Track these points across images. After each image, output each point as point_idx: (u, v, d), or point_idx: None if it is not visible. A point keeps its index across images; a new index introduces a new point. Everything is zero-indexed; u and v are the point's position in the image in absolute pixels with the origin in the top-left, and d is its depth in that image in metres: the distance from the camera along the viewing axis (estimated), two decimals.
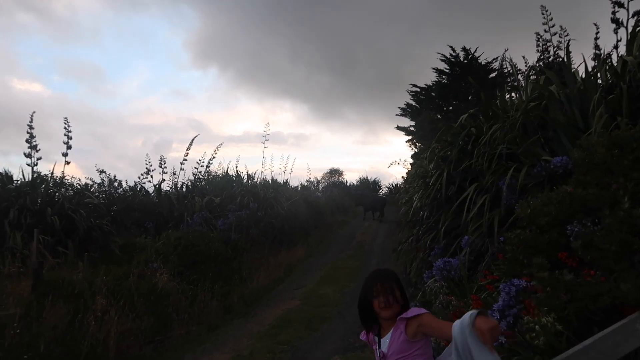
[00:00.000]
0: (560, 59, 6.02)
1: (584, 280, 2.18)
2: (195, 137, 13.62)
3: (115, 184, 12.27)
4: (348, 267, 10.68)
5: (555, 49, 6.31)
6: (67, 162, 8.94)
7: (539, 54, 6.54)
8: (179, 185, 12.91)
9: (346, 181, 30.72)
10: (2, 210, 7.36)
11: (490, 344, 1.49)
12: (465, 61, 15.25)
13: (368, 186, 29.06)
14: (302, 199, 15.72)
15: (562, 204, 2.67)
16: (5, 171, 8.62)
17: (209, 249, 8.05)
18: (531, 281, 2.34)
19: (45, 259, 6.18)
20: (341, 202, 22.13)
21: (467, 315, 1.58)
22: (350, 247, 13.65)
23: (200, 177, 13.71)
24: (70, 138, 8.95)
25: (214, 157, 13.91)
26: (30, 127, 8.45)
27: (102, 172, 12.02)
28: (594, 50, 5.09)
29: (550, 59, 6.38)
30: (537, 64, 6.63)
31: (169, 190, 12.57)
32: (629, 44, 4.48)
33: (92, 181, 11.73)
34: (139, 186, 12.41)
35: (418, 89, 17.00)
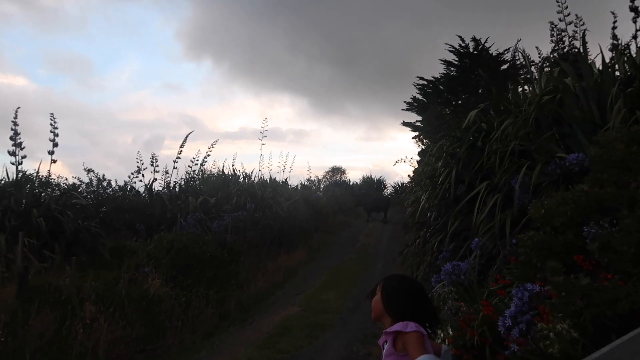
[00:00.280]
0: (576, 50, 6.02)
1: (601, 285, 2.18)
2: (189, 134, 13.64)
3: (104, 183, 12.35)
4: (351, 271, 10.70)
5: (570, 39, 6.30)
6: (54, 161, 8.94)
7: (554, 45, 6.54)
8: (171, 185, 12.95)
9: (349, 180, 30.64)
10: None
11: None
12: (475, 52, 15.18)
13: (372, 185, 28.98)
14: (302, 199, 15.73)
15: (577, 203, 2.68)
16: None
17: (204, 252, 8.05)
18: (545, 286, 2.34)
19: (30, 263, 6.20)
20: (344, 202, 22.14)
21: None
22: (353, 249, 13.67)
23: (195, 176, 13.76)
24: (57, 135, 8.96)
25: (208, 155, 13.98)
26: (15, 124, 8.48)
27: (90, 171, 12.09)
28: (611, 41, 5.10)
29: (565, 50, 6.37)
30: (552, 55, 6.63)
31: (161, 190, 12.61)
32: None
33: (80, 180, 11.83)
34: (129, 186, 12.48)
35: (425, 82, 16.96)
